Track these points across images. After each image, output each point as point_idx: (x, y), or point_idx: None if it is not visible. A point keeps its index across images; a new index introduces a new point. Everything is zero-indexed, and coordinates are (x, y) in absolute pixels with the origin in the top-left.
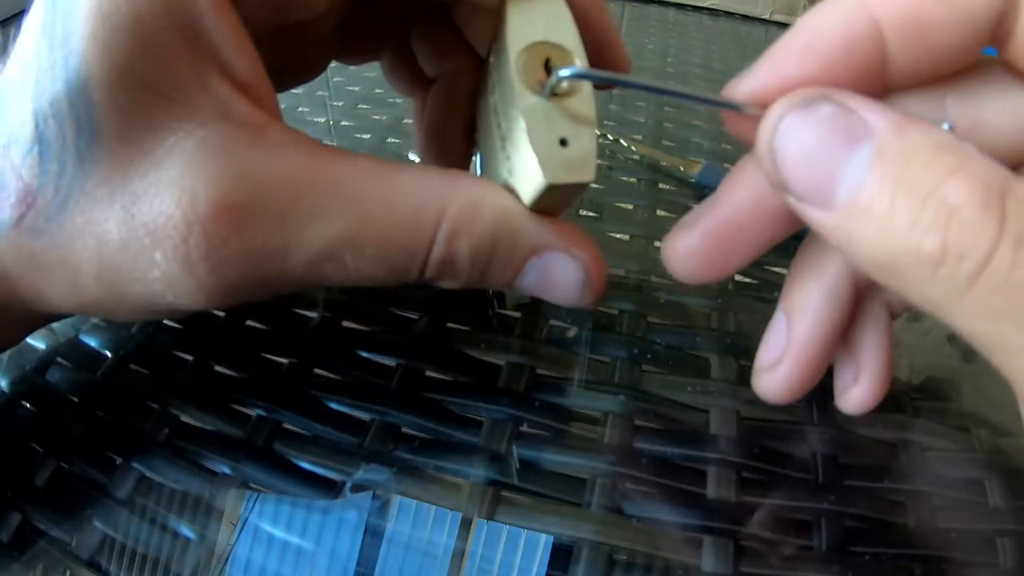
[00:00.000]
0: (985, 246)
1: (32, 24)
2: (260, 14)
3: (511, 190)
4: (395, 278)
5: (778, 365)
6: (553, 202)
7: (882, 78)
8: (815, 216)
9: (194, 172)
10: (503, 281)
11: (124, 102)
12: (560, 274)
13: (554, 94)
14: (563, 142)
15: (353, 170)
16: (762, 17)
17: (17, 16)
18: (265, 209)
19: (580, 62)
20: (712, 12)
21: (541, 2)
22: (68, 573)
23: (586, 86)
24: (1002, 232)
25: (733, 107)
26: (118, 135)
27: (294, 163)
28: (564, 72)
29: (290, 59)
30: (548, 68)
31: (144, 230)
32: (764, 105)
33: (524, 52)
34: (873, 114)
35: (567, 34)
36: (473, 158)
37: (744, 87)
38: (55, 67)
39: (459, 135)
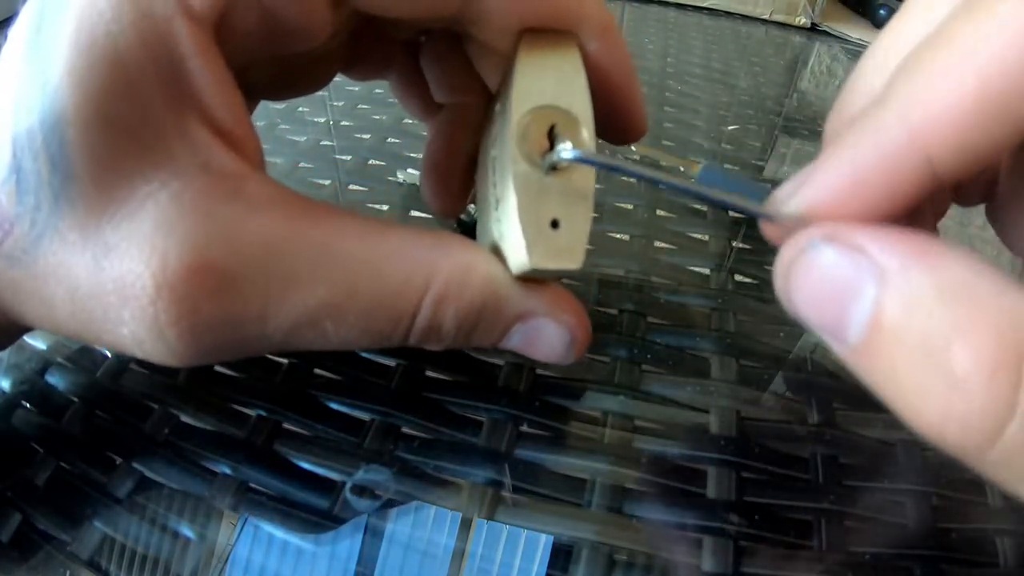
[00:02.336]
0: (992, 424)
1: (17, 43)
2: (256, 47)
3: (499, 253)
4: (377, 343)
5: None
6: (540, 277)
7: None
8: (834, 346)
9: (167, 229)
10: (487, 344)
11: (98, 144)
12: (545, 338)
13: (553, 168)
14: (554, 224)
15: (338, 232)
16: (762, 17)
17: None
18: (243, 272)
19: (587, 134)
20: (712, 12)
21: (555, 54)
22: (68, 573)
23: (589, 148)
24: (1014, 407)
25: (755, 214)
26: (92, 178)
27: (275, 223)
28: (565, 154)
29: (291, 76)
30: (552, 136)
31: (112, 285)
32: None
33: (528, 115)
34: (882, 251)
35: (577, 98)
36: (473, 190)
37: (788, 209)
38: (32, 96)
39: (461, 168)
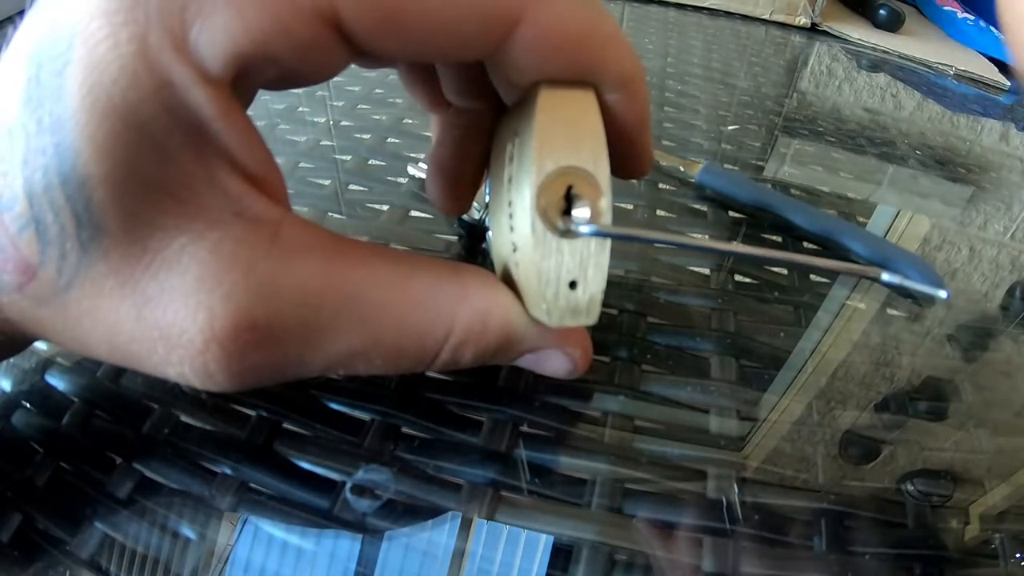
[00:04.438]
0: None
1: (12, 86)
2: (272, 85)
3: (512, 283)
4: (401, 373)
5: None
6: None
7: None
8: None
9: (210, 285)
10: (498, 364)
11: (129, 202)
12: (551, 365)
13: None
14: (572, 284)
15: (369, 281)
16: (762, 17)
17: (15, 17)
18: (283, 326)
19: (605, 202)
20: (712, 12)
21: (574, 107)
22: (68, 573)
23: (606, 221)
24: None
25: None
26: (124, 233)
27: (312, 273)
28: (584, 228)
29: (299, 72)
30: (569, 195)
31: (158, 333)
32: None
33: (548, 176)
34: None
35: (596, 159)
36: (483, 188)
37: None
38: (46, 153)
39: (469, 171)
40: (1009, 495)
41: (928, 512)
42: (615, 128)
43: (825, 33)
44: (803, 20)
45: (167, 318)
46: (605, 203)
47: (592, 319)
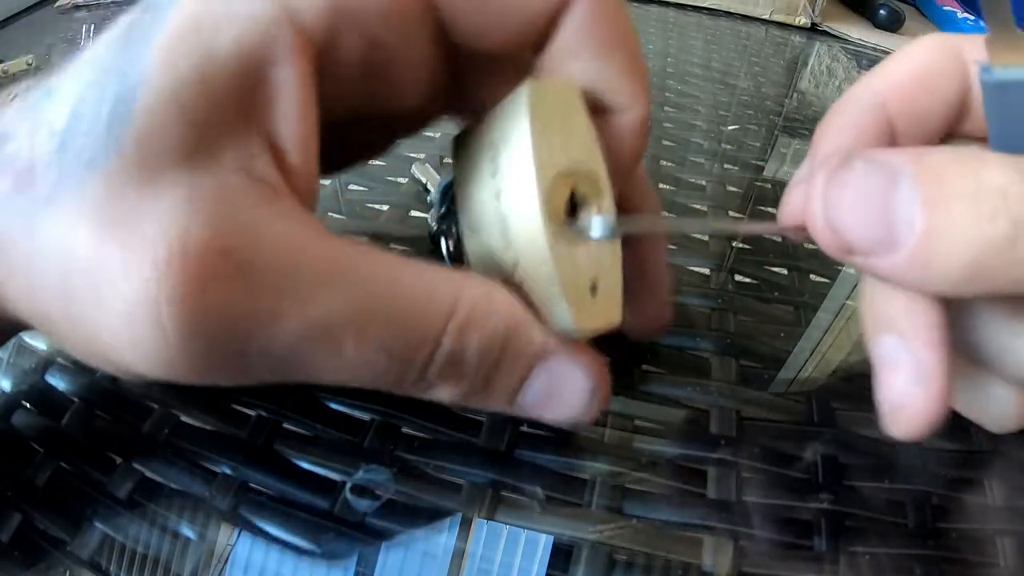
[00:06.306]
0: None
1: (107, 37)
2: (349, 94)
3: (533, 307)
4: (393, 372)
5: (913, 399)
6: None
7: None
8: (885, 265)
9: (190, 210)
10: (508, 389)
11: (153, 131)
12: (568, 384)
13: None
14: (593, 288)
15: (362, 254)
16: (762, 17)
17: (17, 16)
18: (259, 267)
19: (609, 200)
20: (712, 12)
21: (561, 108)
22: (68, 573)
23: (613, 216)
24: None
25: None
26: (133, 166)
27: (301, 232)
28: (597, 232)
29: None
30: (574, 199)
31: (118, 253)
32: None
33: (551, 181)
34: (892, 155)
35: (593, 156)
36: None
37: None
38: (111, 74)
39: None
40: (1009, 495)
41: (928, 512)
42: (610, 153)
43: (825, 33)
44: (803, 20)
45: (132, 236)
46: (609, 200)
47: (617, 318)
